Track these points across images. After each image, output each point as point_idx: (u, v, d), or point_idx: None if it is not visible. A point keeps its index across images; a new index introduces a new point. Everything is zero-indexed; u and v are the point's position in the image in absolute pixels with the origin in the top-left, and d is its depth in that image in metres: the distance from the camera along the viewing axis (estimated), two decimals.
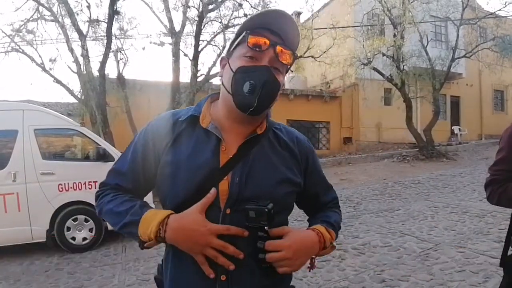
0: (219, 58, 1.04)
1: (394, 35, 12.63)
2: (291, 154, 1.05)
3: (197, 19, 10.73)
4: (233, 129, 0.99)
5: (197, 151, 0.96)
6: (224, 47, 11.51)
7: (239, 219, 0.91)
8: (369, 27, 14.24)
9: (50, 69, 11.30)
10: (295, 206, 1.15)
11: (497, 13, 13.69)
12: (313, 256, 1.05)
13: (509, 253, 1.60)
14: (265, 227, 0.90)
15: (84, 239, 5.08)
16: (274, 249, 0.90)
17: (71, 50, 10.30)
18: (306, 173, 1.08)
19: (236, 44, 0.97)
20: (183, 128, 1.00)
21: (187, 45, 13.04)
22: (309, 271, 1.06)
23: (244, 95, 0.91)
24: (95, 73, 10.23)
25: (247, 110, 0.92)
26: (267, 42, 0.91)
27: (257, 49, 0.92)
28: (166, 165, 0.96)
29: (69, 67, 11.32)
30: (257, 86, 0.90)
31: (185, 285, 0.95)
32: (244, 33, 0.93)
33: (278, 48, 0.92)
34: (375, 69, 13.08)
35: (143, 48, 17.93)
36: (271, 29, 0.94)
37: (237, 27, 0.99)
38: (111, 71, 14.38)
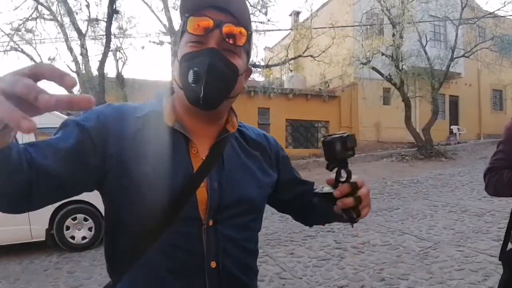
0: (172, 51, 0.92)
1: (393, 35, 12.64)
2: (262, 150, 0.94)
3: None
4: (199, 129, 0.84)
5: (166, 154, 0.79)
6: None
7: (223, 230, 0.81)
8: (368, 26, 14.26)
9: None
10: None
11: (496, 12, 13.73)
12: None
13: (508, 247, 1.62)
14: (348, 160, 0.79)
15: (84, 238, 5.07)
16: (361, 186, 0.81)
17: (70, 49, 10.31)
18: (280, 167, 0.99)
19: (182, 31, 0.81)
20: (141, 125, 0.80)
21: None
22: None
23: (190, 86, 0.75)
24: (94, 72, 10.25)
25: (197, 103, 0.76)
26: (211, 23, 0.75)
27: (200, 33, 0.76)
28: (127, 172, 0.76)
29: (68, 66, 11.31)
30: (200, 72, 0.74)
31: None
32: (184, 18, 0.78)
33: (226, 27, 0.75)
34: (374, 68, 13.10)
35: (142, 47, 17.90)
36: (216, 5, 0.77)
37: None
38: (110, 70, 14.41)
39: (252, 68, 0.98)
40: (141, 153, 0.77)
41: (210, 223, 0.80)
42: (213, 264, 0.80)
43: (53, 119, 5.30)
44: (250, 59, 0.92)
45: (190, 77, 0.74)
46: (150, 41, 11.87)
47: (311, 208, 1.01)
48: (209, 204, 0.79)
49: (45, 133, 5.18)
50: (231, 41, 0.76)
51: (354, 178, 0.81)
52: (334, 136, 0.78)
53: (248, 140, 0.93)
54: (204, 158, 0.81)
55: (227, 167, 0.84)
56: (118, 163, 0.76)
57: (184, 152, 0.81)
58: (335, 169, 0.80)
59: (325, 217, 0.98)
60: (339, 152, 0.77)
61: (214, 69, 0.75)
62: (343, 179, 0.80)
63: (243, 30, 0.77)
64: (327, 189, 0.83)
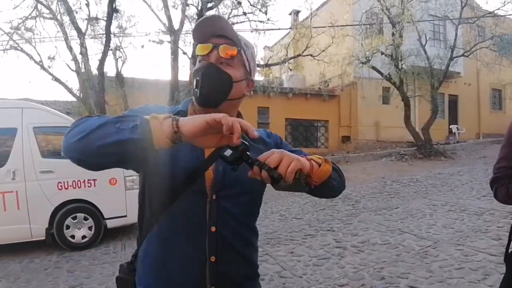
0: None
1: (393, 34, 12.64)
2: (265, 144, 1.16)
3: (196, 17, 10.74)
4: None
5: (185, 145, 0.96)
6: None
7: (223, 204, 1.04)
8: (368, 25, 14.25)
9: (49, 67, 11.32)
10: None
11: (495, 12, 13.72)
12: (310, 175, 0.96)
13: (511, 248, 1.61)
14: (248, 153, 0.87)
15: (84, 237, 5.08)
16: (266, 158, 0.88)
17: (70, 48, 10.29)
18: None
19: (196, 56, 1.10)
20: None
21: (186, 43, 13.02)
22: (312, 187, 0.97)
23: (194, 91, 1.04)
24: (94, 71, 10.24)
25: (200, 102, 1.04)
26: (210, 46, 1.02)
27: (204, 54, 1.04)
28: (155, 157, 0.97)
29: (67, 65, 11.32)
30: (198, 79, 1.02)
31: (175, 269, 1.02)
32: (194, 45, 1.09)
33: (221, 48, 1.02)
34: (373, 68, 13.10)
35: (142, 46, 17.86)
36: (215, 34, 1.04)
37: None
38: (109, 69, 14.35)
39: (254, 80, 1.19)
40: None
41: (213, 197, 1.03)
42: (213, 229, 1.02)
43: (53, 119, 5.32)
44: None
45: (194, 84, 1.03)
46: (149, 40, 11.90)
47: None
48: (214, 182, 1.03)
49: (46, 132, 5.20)
50: (225, 56, 1.02)
51: (261, 156, 0.88)
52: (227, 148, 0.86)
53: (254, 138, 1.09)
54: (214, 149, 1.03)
55: None
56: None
57: None
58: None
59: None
60: (229, 157, 0.85)
61: (207, 75, 1.02)
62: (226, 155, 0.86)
63: (234, 48, 1.03)
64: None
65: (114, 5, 9.93)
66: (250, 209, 1.12)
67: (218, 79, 1.03)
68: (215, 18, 1.08)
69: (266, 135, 1.22)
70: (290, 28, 16.03)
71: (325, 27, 13.52)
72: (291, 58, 13.65)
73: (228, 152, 0.87)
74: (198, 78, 1.02)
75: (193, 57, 10.58)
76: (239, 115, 1.15)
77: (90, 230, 5.13)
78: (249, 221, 1.12)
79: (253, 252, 1.15)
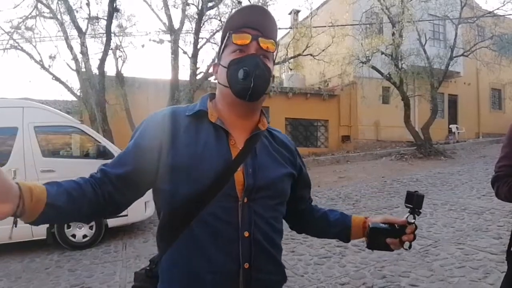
0: (211, 66, 1.14)
1: (393, 34, 12.64)
2: (287, 149, 1.14)
3: (196, 16, 10.73)
4: (237, 124, 1.04)
5: (210, 143, 0.99)
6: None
7: (255, 208, 0.99)
8: (368, 25, 14.26)
9: (49, 66, 11.32)
10: None
11: (495, 11, 13.76)
12: None
13: None
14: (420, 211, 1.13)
15: (84, 236, 5.08)
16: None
17: (70, 47, 10.27)
18: (297, 168, 1.16)
19: (224, 47, 1.05)
20: (190, 121, 1.02)
21: (186, 43, 13.02)
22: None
23: (240, 82, 0.97)
24: (94, 70, 10.22)
25: (246, 94, 0.98)
26: (249, 36, 0.99)
27: (243, 45, 1.00)
28: (179, 157, 0.97)
29: (68, 64, 11.29)
30: (250, 70, 0.97)
31: (206, 278, 0.96)
32: (227, 34, 1.02)
33: (260, 39, 1.00)
34: (373, 67, 13.10)
35: (142, 46, 17.75)
36: (249, 25, 1.01)
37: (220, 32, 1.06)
38: (110, 69, 14.33)
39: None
40: (189, 142, 0.99)
41: (245, 200, 0.98)
42: (246, 234, 0.97)
43: (54, 118, 5.31)
44: None
45: (241, 75, 0.97)
46: (150, 40, 11.88)
47: (313, 220, 1.25)
48: (246, 185, 0.98)
49: (47, 132, 5.20)
50: (264, 49, 1.01)
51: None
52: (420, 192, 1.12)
53: (275, 139, 1.13)
54: (240, 149, 1.01)
55: (259, 157, 1.03)
56: (171, 150, 0.97)
57: (224, 143, 1.01)
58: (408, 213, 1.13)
59: (329, 235, 1.27)
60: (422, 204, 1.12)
61: (260, 68, 0.99)
62: (412, 221, 1.13)
63: (272, 41, 1.03)
64: (385, 226, 1.16)
65: (114, 5, 9.93)
66: (279, 212, 1.09)
67: (265, 72, 1.01)
68: (259, 9, 1.03)
69: (290, 143, 1.19)
70: (290, 28, 16.03)
71: (325, 26, 13.51)
72: (291, 57, 13.64)
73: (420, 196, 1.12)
74: (247, 69, 0.97)
75: (194, 57, 10.59)
76: (261, 113, 1.12)
77: (91, 229, 5.13)
78: (278, 225, 1.08)
79: (281, 255, 1.11)
